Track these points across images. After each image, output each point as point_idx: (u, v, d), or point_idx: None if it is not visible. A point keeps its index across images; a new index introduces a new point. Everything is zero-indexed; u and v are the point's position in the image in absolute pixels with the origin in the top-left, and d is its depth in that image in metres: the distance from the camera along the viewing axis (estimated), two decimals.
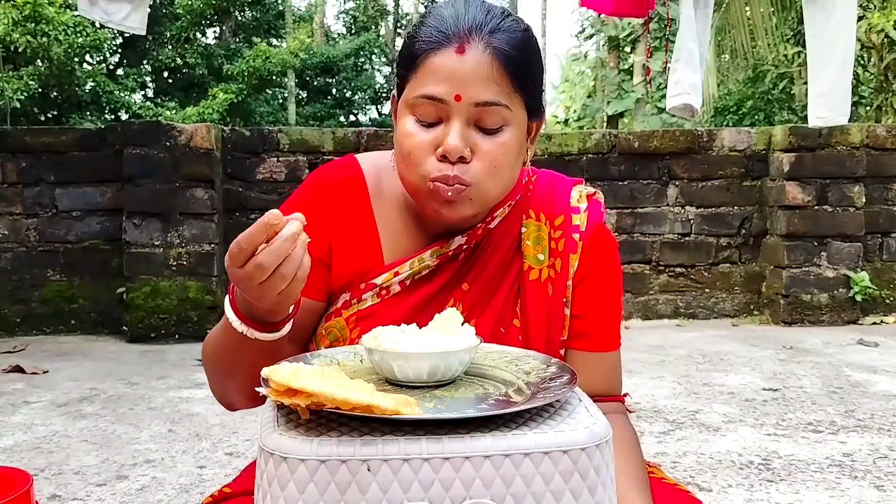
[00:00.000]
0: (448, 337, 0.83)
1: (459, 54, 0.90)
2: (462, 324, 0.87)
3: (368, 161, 1.06)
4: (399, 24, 23.87)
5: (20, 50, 10.17)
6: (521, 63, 0.92)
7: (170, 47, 13.35)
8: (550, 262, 1.02)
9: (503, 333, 1.01)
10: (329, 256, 1.02)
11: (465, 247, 1.01)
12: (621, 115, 12.72)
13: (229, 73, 12.67)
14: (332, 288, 1.02)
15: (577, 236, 1.02)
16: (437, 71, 0.90)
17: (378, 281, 1.00)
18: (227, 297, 0.90)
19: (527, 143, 0.99)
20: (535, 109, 0.97)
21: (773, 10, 7.04)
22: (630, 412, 1.07)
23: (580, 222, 1.03)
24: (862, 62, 9.11)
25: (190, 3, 12.74)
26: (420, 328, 0.87)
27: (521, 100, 0.94)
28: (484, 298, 1.01)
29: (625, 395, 1.07)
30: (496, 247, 1.03)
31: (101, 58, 13.45)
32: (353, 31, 22.33)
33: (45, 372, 3.71)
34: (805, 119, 4.58)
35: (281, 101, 16.38)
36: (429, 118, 0.92)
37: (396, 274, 1.00)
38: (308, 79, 17.57)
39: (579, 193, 1.06)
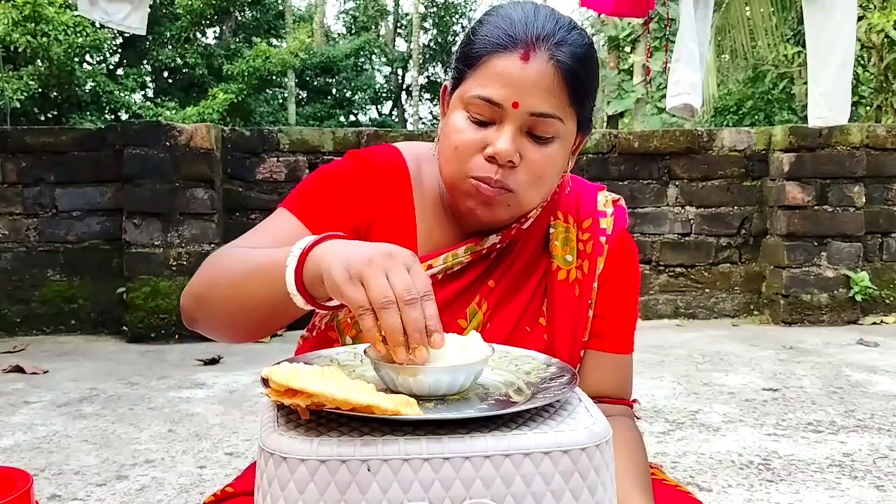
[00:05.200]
0: (459, 343, 0.81)
1: (524, 62, 0.90)
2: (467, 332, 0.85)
3: (409, 152, 1.06)
4: (399, 24, 23.88)
5: (20, 50, 10.18)
6: (581, 78, 0.92)
7: (170, 47, 13.35)
8: (578, 264, 1.03)
9: (528, 332, 1.01)
10: (367, 234, 1.01)
11: (498, 245, 1.02)
12: (621, 115, 12.71)
13: (229, 73, 12.67)
14: None
15: (603, 239, 1.04)
16: (500, 75, 0.90)
17: None
18: (296, 251, 0.80)
19: (570, 154, 1.00)
20: (584, 124, 0.98)
21: (773, 10, 7.04)
22: (637, 418, 1.07)
23: (607, 226, 1.05)
24: (862, 62, 9.11)
25: (190, 3, 12.74)
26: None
27: (574, 114, 0.94)
28: (509, 296, 1.02)
29: (634, 400, 1.08)
30: (523, 246, 1.03)
31: (101, 58, 13.46)
32: (353, 31, 22.35)
33: (45, 372, 3.71)
34: (805, 119, 4.58)
35: (281, 101, 16.38)
36: (482, 117, 0.93)
37: (430, 267, 0.99)
38: (308, 79, 17.58)
39: (605, 198, 1.08)
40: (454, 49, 0.98)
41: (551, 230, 1.04)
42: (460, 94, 0.95)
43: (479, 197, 0.94)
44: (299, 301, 0.79)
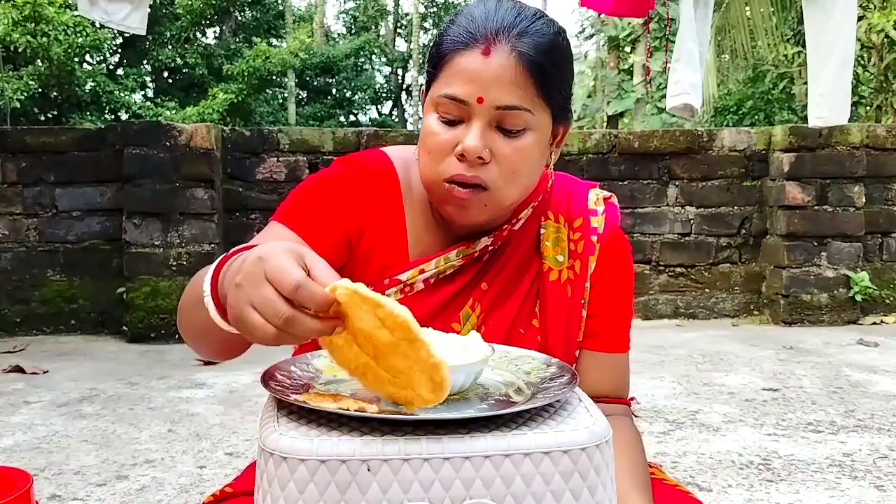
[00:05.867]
0: (458, 343, 0.81)
1: (485, 56, 0.90)
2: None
3: (398, 156, 1.06)
4: (399, 24, 23.88)
5: (20, 50, 10.17)
6: (546, 68, 0.91)
7: (170, 47, 13.35)
8: (570, 264, 1.03)
9: (522, 334, 1.01)
10: (358, 240, 1.01)
11: (490, 248, 1.01)
12: (621, 115, 12.72)
13: (229, 73, 12.67)
14: (354, 275, 0.99)
15: (594, 238, 1.03)
16: (462, 72, 0.91)
17: (403, 277, 0.99)
18: (208, 276, 0.78)
19: (551, 147, 0.99)
20: (560, 114, 0.97)
21: (773, 10, 7.04)
22: (635, 417, 1.07)
23: (598, 224, 1.04)
24: (862, 62, 9.11)
25: (190, 3, 12.74)
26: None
27: (544, 104, 0.93)
28: (502, 298, 1.02)
29: (631, 398, 1.08)
30: (515, 247, 1.03)
31: (101, 58, 13.46)
32: (353, 31, 22.35)
33: (45, 372, 3.71)
34: (805, 119, 4.58)
35: (281, 101, 16.38)
36: (451, 116, 0.93)
37: (422, 272, 0.99)
38: (308, 79, 17.58)
39: (596, 196, 1.07)
40: (427, 55, 0.99)
41: (542, 230, 1.04)
42: (430, 96, 0.95)
43: (454, 201, 0.93)
44: (233, 329, 0.74)
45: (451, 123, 0.93)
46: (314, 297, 0.66)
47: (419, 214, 1.03)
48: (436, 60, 0.94)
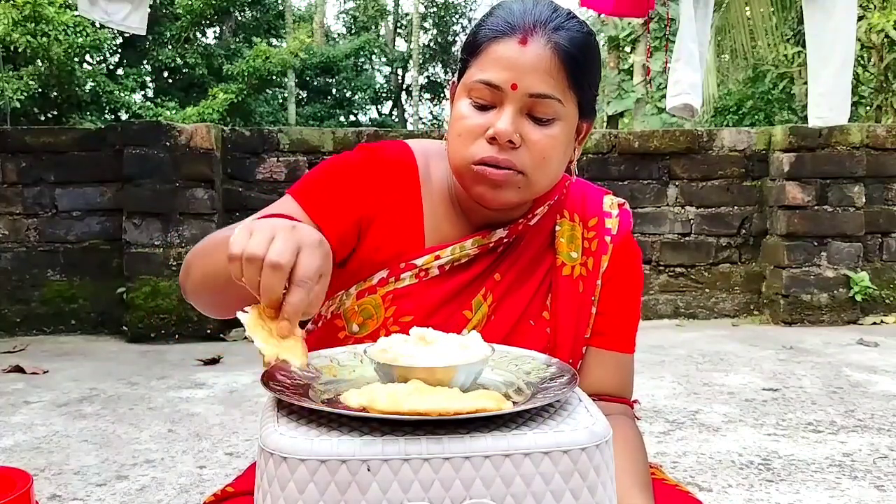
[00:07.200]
0: (458, 343, 0.81)
1: (521, 45, 0.93)
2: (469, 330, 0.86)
3: (418, 147, 1.08)
4: (399, 24, 23.88)
5: (20, 50, 10.16)
6: (579, 62, 0.95)
7: (170, 47, 13.33)
8: (583, 261, 1.06)
9: (532, 326, 1.03)
10: (369, 226, 1.02)
11: (505, 240, 1.04)
12: (621, 115, 12.71)
13: (229, 73, 12.66)
14: (366, 261, 1.03)
15: (608, 239, 1.06)
16: (499, 59, 0.94)
17: (418, 262, 1.01)
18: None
19: (575, 142, 1.02)
20: (587, 110, 1.00)
21: (773, 10, 7.03)
22: (637, 419, 1.08)
23: (612, 226, 1.07)
24: (862, 62, 9.11)
25: (190, 3, 12.73)
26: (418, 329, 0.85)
27: (574, 97, 0.96)
28: (514, 289, 1.04)
29: (634, 401, 1.09)
30: (530, 241, 1.06)
31: (101, 58, 13.44)
32: (353, 31, 22.33)
33: (45, 372, 3.71)
34: (805, 119, 4.58)
35: (281, 101, 16.37)
36: (483, 101, 0.95)
37: (437, 258, 1.01)
38: (308, 79, 17.57)
39: (611, 201, 1.11)
40: (461, 46, 1.02)
41: (557, 227, 1.07)
42: (464, 82, 0.98)
43: (486, 181, 0.95)
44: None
45: (482, 109, 0.96)
46: (293, 298, 0.73)
47: (437, 204, 1.05)
48: (471, 48, 0.97)
